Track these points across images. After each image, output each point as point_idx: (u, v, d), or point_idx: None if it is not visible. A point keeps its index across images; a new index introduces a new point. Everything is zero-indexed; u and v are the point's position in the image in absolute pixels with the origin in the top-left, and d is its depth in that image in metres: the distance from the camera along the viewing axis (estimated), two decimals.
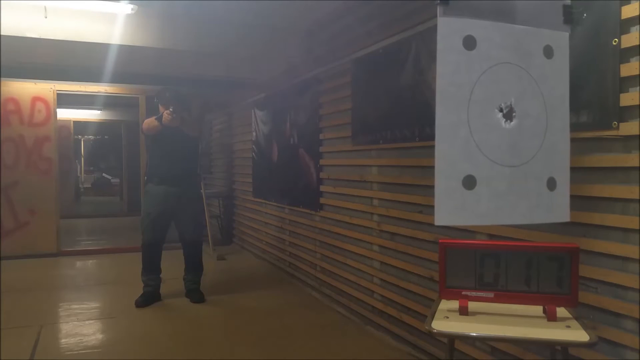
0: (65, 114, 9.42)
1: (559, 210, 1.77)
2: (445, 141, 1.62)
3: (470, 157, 1.64)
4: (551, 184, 1.73)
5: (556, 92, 1.74)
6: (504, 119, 1.67)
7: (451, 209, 1.64)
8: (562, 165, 1.76)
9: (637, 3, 1.79)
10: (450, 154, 1.63)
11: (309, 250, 4.53)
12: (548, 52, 1.73)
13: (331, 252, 4.10)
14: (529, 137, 1.70)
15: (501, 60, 1.66)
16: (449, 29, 1.61)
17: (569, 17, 1.76)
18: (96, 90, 6.77)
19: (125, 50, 4.35)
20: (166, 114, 3.90)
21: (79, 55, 4.48)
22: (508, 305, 1.72)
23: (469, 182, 1.64)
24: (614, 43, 1.86)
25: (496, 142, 1.66)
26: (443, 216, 1.64)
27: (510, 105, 1.67)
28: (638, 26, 1.80)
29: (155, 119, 4.03)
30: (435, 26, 1.58)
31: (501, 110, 1.67)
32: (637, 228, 1.81)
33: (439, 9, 1.59)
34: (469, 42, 1.62)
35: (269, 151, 5.45)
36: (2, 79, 5.63)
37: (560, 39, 1.75)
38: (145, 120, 4.16)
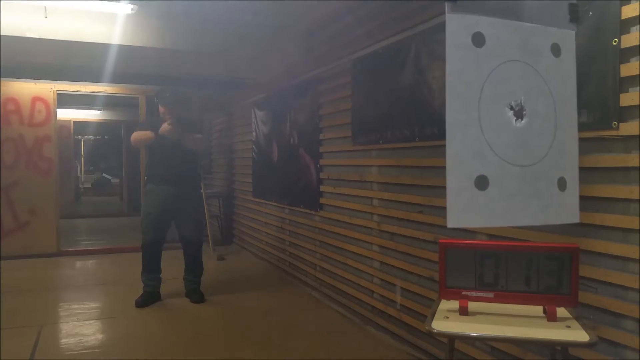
0: (65, 114, 9.41)
1: (569, 211, 1.74)
2: (456, 140, 1.57)
3: (482, 157, 1.60)
4: (562, 184, 1.71)
5: (564, 91, 1.72)
6: (515, 117, 1.64)
7: (463, 210, 1.59)
8: (571, 165, 1.74)
9: (637, 3, 1.79)
10: (461, 153, 1.58)
11: (309, 250, 4.53)
12: (556, 50, 1.71)
13: (331, 252, 4.10)
14: (539, 136, 1.67)
15: (510, 58, 1.64)
16: (458, 26, 1.58)
17: (575, 15, 1.75)
18: (96, 90, 6.77)
19: (125, 50, 4.35)
20: (166, 125, 3.87)
21: (79, 55, 4.48)
22: (508, 305, 1.72)
23: (481, 183, 1.60)
24: (614, 43, 1.85)
25: (507, 141, 1.62)
26: (455, 218, 1.59)
27: (521, 103, 1.65)
28: (638, 26, 1.80)
29: (151, 130, 3.97)
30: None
31: (512, 108, 1.64)
32: (637, 228, 1.81)
33: (447, 6, 1.57)
34: (478, 39, 1.60)
35: (269, 151, 5.45)
36: (2, 79, 5.63)
37: (567, 38, 1.74)
38: (134, 134, 4.09)
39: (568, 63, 1.73)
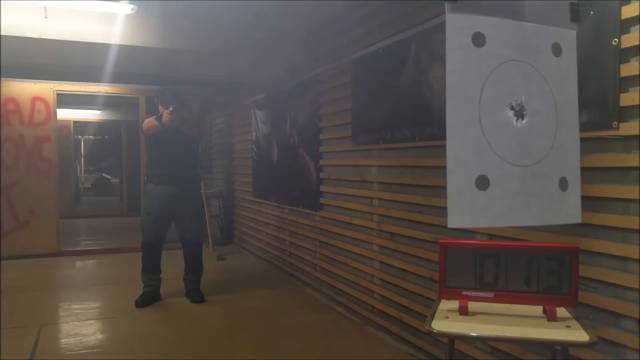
0: (65, 114, 9.41)
1: (571, 211, 1.74)
2: (456, 140, 1.57)
3: (483, 157, 1.59)
4: (563, 184, 1.70)
5: (565, 91, 1.72)
6: (515, 117, 1.63)
7: (464, 210, 1.58)
8: (572, 165, 1.73)
9: (637, 3, 1.79)
10: (462, 153, 1.57)
11: (309, 250, 4.52)
12: (556, 50, 1.71)
13: (331, 252, 4.09)
14: (540, 136, 1.66)
15: (510, 58, 1.63)
16: (458, 26, 1.57)
17: (576, 15, 1.75)
18: (96, 90, 6.76)
19: (125, 50, 4.34)
20: (166, 114, 3.90)
21: (79, 55, 4.47)
22: (508, 305, 1.72)
23: (482, 183, 1.59)
24: (614, 43, 1.85)
25: (508, 141, 1.62)
26: (456, 218, 1.58)
27: (521, 103, 1.64)
28: (638, 26, 1.80)
29: (155, 118, 4.03)
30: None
31: (512, 108, 1.63)
32: (637, 228, 1.81)
33: (447, 6, 1.56)
34: (478, 39, 1.59)
35: (269, 151, 5.45)
36: (2, 79, 5.63)
37: (568, 37, 1.74)
38: (145, 120, 4.16)
39: (569, 63, 1.73)
